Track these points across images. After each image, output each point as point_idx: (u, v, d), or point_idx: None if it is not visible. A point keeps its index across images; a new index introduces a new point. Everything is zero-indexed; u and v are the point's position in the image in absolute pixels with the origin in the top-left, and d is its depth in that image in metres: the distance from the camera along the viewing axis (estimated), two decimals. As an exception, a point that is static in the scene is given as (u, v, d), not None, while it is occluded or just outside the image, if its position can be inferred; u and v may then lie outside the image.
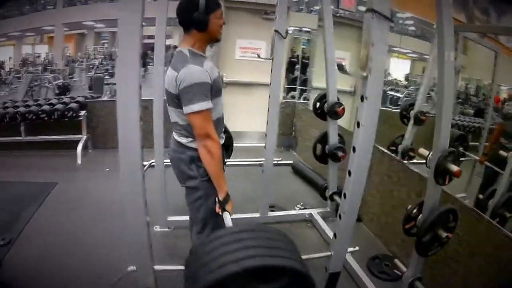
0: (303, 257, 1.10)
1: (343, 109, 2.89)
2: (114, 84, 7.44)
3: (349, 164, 1.70)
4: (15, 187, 3.51)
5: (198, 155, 1.74)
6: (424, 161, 1.95)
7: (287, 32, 2.67)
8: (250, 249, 0.99)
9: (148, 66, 6.78)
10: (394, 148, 3.57)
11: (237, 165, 3.86)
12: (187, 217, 2.39)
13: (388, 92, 5.78)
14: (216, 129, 1.73)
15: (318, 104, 2.99)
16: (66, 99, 4.58)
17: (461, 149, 3.24)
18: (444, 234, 1.80)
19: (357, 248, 2.39)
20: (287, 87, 6.61)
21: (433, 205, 1.84)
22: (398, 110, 3.76)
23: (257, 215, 3.12)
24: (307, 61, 6.90)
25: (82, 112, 4.40)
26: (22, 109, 4.23)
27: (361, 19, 5.53)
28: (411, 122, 3.47)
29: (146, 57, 6.16)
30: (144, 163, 1.52)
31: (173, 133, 1.90)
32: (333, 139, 2.97)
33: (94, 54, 8.50)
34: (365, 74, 1.45)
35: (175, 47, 5.51)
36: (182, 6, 1.71)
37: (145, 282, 1.57)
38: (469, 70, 4.28)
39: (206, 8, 1.66)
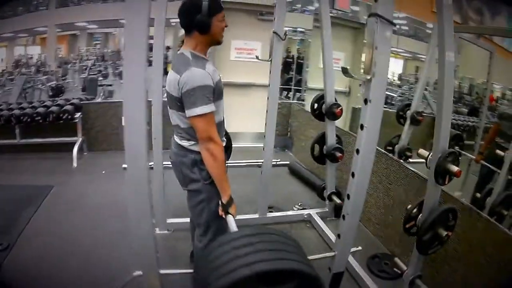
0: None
1: (341, 110, 2.90)
2: (108, 85, 7.40)
3: (353, 166, 1.71)
4: (11, 190, 3.49)
5: (200, 158, 1.74)
6: (421, 161, 1.98)
7: (285, 34, 2.68)
8: (261, 253, 0.99)
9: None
10: (391, 148, 3.60)
11: (233, 166, 3.85)
12: (186, 219, 2.40)
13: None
14: (218, 132, 1.73)
15: (316, 105, 3.01)
16: (61, 101, 4.55)
17: (457, 148, 3.28)
18: (444, 233, 1.84)
19: (359, 248, 2.41)
20: (281, 88, 6.60)
21: (433, 205, 1.87)
22: (392, 110, 3.80)
23: (256, 216, 3.13)
24: (302, 61, 6.91)
25: (78, 114, 4.36)
26: (17, 111, 4.19)
27: (355, 20, 5.56)
28: (408, 122, 3.50)
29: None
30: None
31: (174, 136, 1.89)
32: (331, 140, 2.99)
33: (86, 55, 8.41)
34: (368, 77, 1.47)
35: (168, 48, 5.49)
36: (185, 8, 1.70)
37: (151, 287, 1.56)
38: (462, 69, 4.32)
39: (209, 11, 1.65)
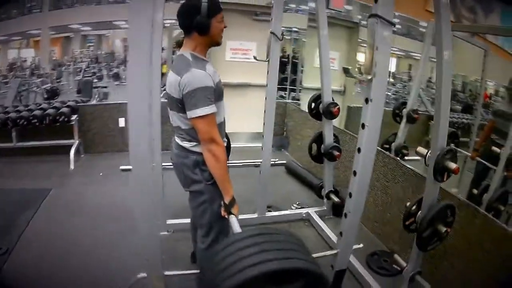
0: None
1: (338, 109, 2.92)
2: (103, 87, 7.39)
3: (354, 164, 1.73)
4: (9, 194, 3.46)
5: (202, 159, 1.74)
6: (417, 158, 2.01)
7: (283, 34, 2.69)
8: (268, 253, 1.00)
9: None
10: (387, 146, 3.63)
11: (230, 166, 3.85)
12: (186, 220, 2.40)
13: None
14: (219, 133, 1.73)
15: (313, 105, 3.03)
16: (57, 103, 4.52)
17: (452, 145, 3.32)
18: (444, 229, 1.86)
19: (361, 245, 2.42)
20: (277, 87, 6.60)
21: (432, 202, 1.89)
22: (387, 108, 3.82)
23: (255, 215, 3.14)
24: (297, 61, 6.93)
25: (74, 117, 4.34)
26: (13, 114, 4.16)
27: (349, 19, 5.57)
28: (404, 120, 3.54)
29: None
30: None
31: (175, 137, 1.89)
32: (329, 139, 3.01)
33: (80, 58, 8.39)
34: (369, 77, 1.48)
35: (162, 49, 5.48)
36: (184, 9, 1.70)
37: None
38: (455, 66, 4.37)
39: (208, 12, 1.66)
